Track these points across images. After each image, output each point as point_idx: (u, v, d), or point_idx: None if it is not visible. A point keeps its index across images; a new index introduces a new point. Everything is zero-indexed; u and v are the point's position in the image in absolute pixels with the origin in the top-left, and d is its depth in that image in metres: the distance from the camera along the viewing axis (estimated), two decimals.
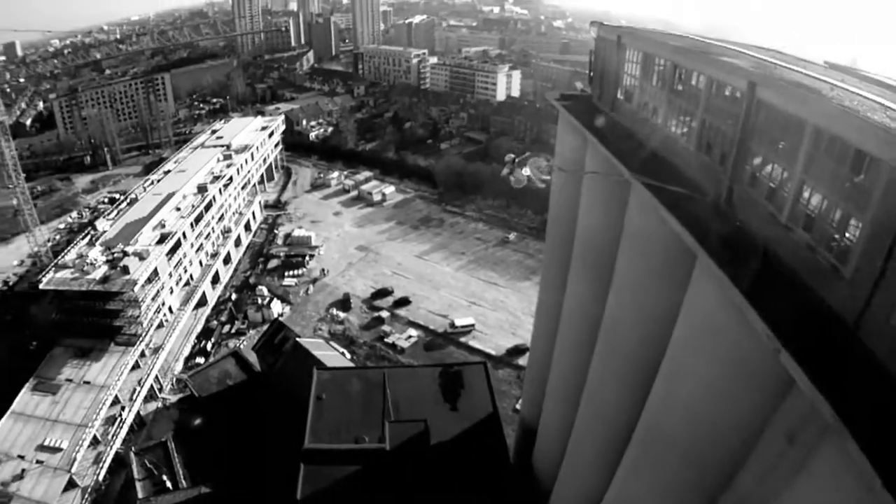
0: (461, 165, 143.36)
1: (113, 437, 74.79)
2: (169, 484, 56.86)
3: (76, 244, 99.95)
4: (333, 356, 77.65)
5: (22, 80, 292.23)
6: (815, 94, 14.99)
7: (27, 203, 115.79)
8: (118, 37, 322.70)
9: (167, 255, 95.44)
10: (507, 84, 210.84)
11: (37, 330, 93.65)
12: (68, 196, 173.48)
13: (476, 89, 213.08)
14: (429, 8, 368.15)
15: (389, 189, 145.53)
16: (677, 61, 22.90)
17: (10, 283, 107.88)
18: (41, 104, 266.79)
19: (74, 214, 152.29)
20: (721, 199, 19.24)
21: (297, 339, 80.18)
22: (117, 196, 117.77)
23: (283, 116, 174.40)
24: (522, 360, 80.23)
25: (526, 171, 26.71)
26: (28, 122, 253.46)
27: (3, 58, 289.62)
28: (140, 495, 55.27)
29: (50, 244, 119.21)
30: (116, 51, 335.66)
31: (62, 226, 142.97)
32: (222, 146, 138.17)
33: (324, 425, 45.00)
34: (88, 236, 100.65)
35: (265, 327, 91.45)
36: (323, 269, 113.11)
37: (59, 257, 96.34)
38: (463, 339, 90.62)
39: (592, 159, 28.25)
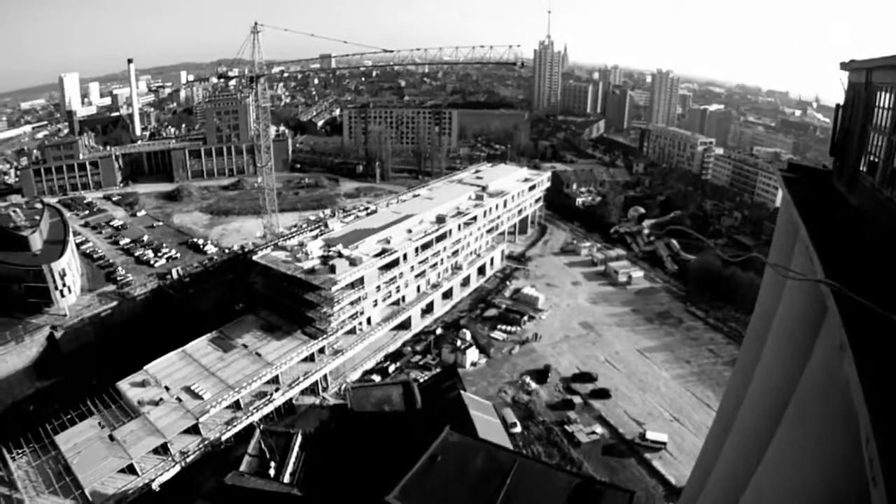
0: (719, 267, 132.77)
1: (255, 409, 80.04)
2: (272, 472, 57.69)
3: (303, 232, 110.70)
4: (491, 424, 74.36)
5: (327, 89, 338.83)
6: None
7: (269, 182, 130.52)
8: (426, 71, 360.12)
9: (381, 269, 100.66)
10: None
11: (247, 295, 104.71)
12: (329, 194, 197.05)
13: (756, 190, 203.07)
14: (730, 100, 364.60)
15: (638, 273, 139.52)
16: None
17: (246, 250, 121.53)
18: (337, 111, 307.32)
19: (328, 211, 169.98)
20: None
21: (462, 392, 78.73)
22: (374, 207, 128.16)
23: (549, 174, 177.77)
24: None
25: (640, 233, 18.64)
26: (320, 123, 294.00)
27: (317, 65, 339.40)
28: (241, 468, 56.82)
29: (293, 229, 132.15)
30: (420, 83, 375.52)
31: (312, 217, 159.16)
32: (479, 186, 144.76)
33: (420, 487, 42.92)
34: (318, 230, 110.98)
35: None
36: (536, 334, 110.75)
37: (283, 239, 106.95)
38: (648, 456, 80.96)
39: (798, 254, 18.62)
